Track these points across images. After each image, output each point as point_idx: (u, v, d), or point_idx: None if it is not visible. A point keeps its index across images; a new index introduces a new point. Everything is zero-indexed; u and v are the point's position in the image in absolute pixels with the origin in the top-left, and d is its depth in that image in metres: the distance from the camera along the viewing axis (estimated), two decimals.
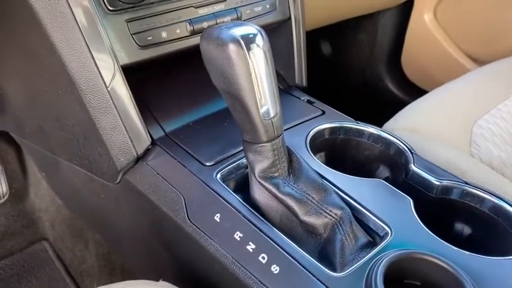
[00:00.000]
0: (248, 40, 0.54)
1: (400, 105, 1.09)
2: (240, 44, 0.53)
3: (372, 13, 1.58)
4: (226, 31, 0.54)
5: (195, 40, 0.74)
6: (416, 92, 1.60)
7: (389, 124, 0.99)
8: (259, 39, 0.55)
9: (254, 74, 0.55)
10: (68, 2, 0.62)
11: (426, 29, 1.55)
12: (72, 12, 0.63)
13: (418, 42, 1.59)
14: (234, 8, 0.78)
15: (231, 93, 0.56)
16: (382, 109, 1.17)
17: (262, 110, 0.57)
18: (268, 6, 0.83)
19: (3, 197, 1.28)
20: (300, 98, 0.88)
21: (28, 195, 1.30)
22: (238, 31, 0.54)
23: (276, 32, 0.92)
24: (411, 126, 0.96)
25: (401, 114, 1.02)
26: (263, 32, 0.56)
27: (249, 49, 0.53)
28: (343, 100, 1.26)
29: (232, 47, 0.53)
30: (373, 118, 0.96)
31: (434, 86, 1.16)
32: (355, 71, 1.75)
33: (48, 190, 1.28)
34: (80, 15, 0.63)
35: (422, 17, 1.55)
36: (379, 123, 0.97)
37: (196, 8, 0.74)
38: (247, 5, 0.80)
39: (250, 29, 0.55)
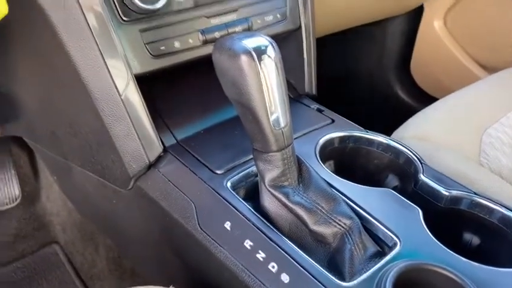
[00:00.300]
0: (260, 51, 0.55)
1: (409, 111, 1.09)
2: (251, 55, 0.54)
3: (380, 20, 1.59)
4: (238, 42, 0.55)
5: (207, 49, 0.76)
6: (426, 98, 1.60)
7: (399, 132, 1.00)
8: (270, 51, 0.56)
9: (265, 84, 0.55)
10: (83, 12, 0.64)
11: (436, 36, 1.55)
12: (87, 22, 0.64)
13: (428, 49, 1.59)
14: (246, 18, 0.79)
15: (243, 104, 0.57)
16: (392, 116, 1.17)
17: (273, 120, 0.57)
18: (279, 15, 0.84)
19: (16, 200, 1.30)
20: (309, 107, 0.89)
21: (40, 198, 1.32)
22: (250, 42, 0.55)
23: (286, 41, 0.93)
24: (421, 135, 0.96)
25: (410, 122, 1.02)
26: (274, 44, 0.57)
27: (260, 60, 0.54)
28: (353, 107, 1.26)
29: (244, 59, 0.54)
30: (383, 125, 0.97)
31: (444, 92, 1.16)
32: (364, 78, 1.75)
33: (60, 194, 1.30)
34: (95, 25, 0.65)
35: (432, 24, 1.55)
36: (389, 130, 0.98)
37: (208, 18, 0.76)
38: (259, 14, 0.81)
39: (261, 40, 0.56)
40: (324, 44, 1.22)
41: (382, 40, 1.65)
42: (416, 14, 1.57)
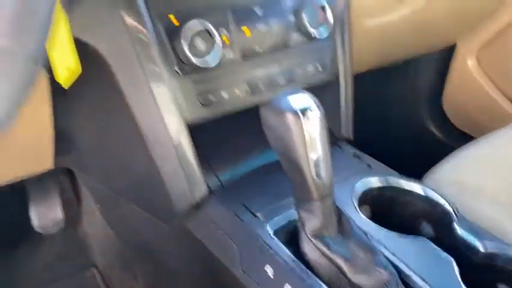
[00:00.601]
0: (305, 110, 0.59)
1: (444, 149, 1.10)
2: (297, 114, 0.59)
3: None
4: (286, 101, 0.60)
5: (252, 99, 0.81)
6: (460, 136, 1.60)
7: (434, 174, 1.00)
8: (314, 108, 0.60)
9: (310, 140, 0.60)
10: (143, 69, 0.70)
11: (469, 74, 1.56)
12: (147, 78, 0.70)
13: (461, 87, 1.60)
14: (288, 69, 0.84)
15: (288, 157, 0.61)
16: (427, 154, 1.18)
17: (315, 172, 0.61)
18: (319, 65, 0.89)
19: (59, 224, 1.36)
20: (346, 151, 0.93)
21: (81, 223, 1.38)
22: (297, 102, 0.60)
23: (324, 85, 0.97)
24: (455, 179, 0.97)
25: (445, 165, 1.03)
26: (317, 101, 0.62)
27: (306, 118, 0.59)
28: (386, 145, 1.28)
29: (290, 117, 0.58)
30: (418, 163, 0.98)
31: (479, 131, 1.16)
32: (396, 115, 1.76)
33: (101, 220, 1.35)
34: (154, 80, 0.71)
35: (465, 62, 1.56)
36: (424, 168, 0.99)
37: (253, 69, 0.81)
38: (300, 66, 0.86)
39: (306, 98, 0.61)
40: (355, 82, 1.26)
41: (413, 77, 1.67)
42: (449, 51, 1.58)
